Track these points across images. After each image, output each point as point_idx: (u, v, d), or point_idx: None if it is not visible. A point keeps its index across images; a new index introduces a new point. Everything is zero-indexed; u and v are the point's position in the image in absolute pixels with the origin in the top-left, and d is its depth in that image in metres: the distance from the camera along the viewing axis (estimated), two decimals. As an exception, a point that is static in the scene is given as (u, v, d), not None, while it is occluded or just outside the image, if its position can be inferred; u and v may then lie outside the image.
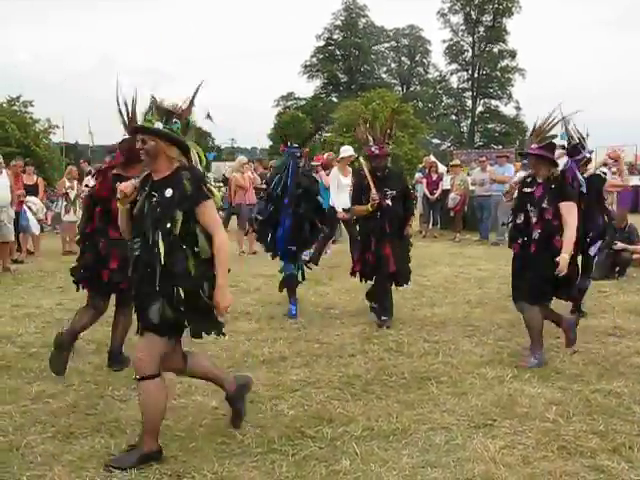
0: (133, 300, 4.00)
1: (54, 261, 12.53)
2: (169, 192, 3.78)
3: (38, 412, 4.65)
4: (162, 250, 3.71)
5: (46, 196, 16.16)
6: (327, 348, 6.26)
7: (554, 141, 5.83)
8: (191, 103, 4.03)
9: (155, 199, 3.81)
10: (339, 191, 10.80)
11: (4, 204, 11.16)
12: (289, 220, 7.40)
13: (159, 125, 3.83)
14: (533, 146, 5.60)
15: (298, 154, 7.61)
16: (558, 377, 5.31)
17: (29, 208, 13.55)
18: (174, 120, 3.89)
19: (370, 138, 7.20)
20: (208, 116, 4.23)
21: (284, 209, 7.40)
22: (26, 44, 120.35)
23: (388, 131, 7.29)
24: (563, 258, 5.28)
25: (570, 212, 5.48)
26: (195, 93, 4.05)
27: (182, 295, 3.72)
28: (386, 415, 4.54)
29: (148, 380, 3.82)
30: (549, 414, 4.48)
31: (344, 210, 10.34)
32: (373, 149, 7.13)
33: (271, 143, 56.35)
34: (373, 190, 7.00)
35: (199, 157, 4.09)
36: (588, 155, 7.24)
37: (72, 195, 14.35)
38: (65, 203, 14.38)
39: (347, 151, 11.54)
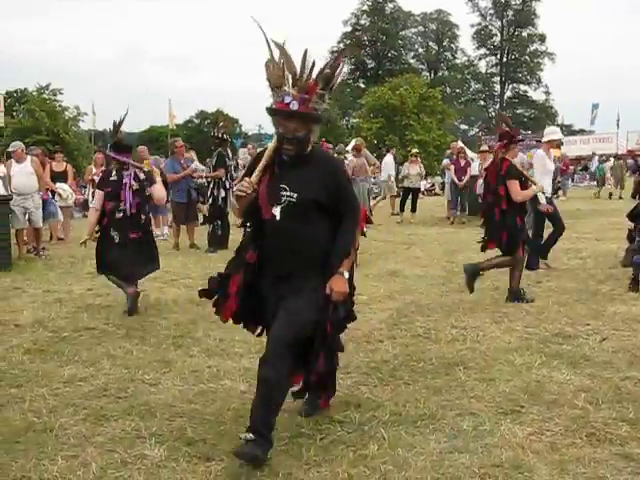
0: None
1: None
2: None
3: (70, 395, 4.73)
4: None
5: (75, 183, 16.31)
6: (355, 334, 6.25)
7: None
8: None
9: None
10: (543, 176, 9.45)
11: (30, 191, 11.29)
12: None
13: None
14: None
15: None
16: (587, 364, 5.27)
17: (59, 195, 13.73)
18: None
19: (287, 79, 3.73)
20: None
21: None
22: (56, 33, 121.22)
23: (328, 78, 3.74)
24: None
25: None
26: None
27: None
28: (414, 400, 4.55)
29: None
30: (578, 401, 4.45)
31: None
32: (287, 100, 3.63)
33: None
34: (247, 179, 3.75)
35: None
36: None
37: (99, 182, 14.47)
38: (92, 189, 14.52)
39: (553, 133, 10.53)
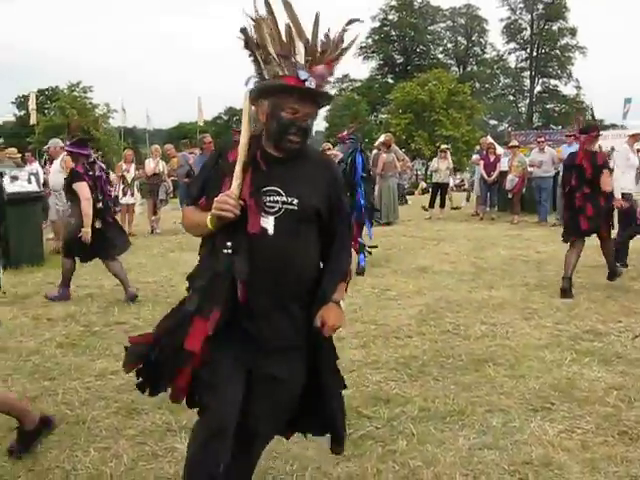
0: None
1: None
2: None
3: (102, 388, 4.80)
4: None
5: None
6: (384, 329, 6.26)
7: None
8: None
9: None
10: (626, 170, 9.04)
11: (58, 189, 11.40)
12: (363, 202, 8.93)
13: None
14: None
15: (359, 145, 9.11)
16: (619, 361, 5.21)
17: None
18: None
19: (299, 49, 2.68)
20: None
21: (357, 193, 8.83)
22: (86, 32, 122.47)
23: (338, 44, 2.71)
24: None
25: None
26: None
27: None
28: (443, 397, 4.54)
29: None
30: (609, 399, 4.41)
31: (623, 196, 8.38)
32: (302, 76, 2.63)
33: (327, 125, 56.31)
34: (234, 183, 2.65)
35: None
36: None
37: (128, 178, 14.63)
38: (122, 186, 14.67)
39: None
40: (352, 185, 8.75)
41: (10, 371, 5.19)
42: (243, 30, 2.65)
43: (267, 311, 2.68)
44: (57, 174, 11.32)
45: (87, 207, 7.39)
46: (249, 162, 2.65)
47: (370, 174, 10.01)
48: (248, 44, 2.67)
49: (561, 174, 10.29)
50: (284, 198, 2.67)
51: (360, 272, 8.88)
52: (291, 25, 2.64)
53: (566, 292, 7.49)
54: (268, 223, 2.64)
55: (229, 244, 2.62)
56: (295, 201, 2.67)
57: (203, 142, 13.48)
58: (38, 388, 4.81)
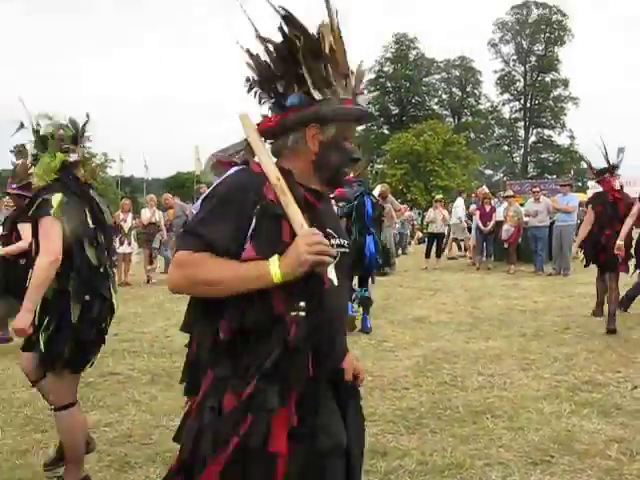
0: None
1: (110, 292, 12.75)
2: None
3: (95, 441, 4.72)
4: None
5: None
6: (380, 381, 6.21)
7: None
8: None
9: None
10: None
11: None
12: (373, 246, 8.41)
13: None
14: None
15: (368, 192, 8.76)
16: (619, 413, 5.16)
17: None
18: None
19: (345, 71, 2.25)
20: None
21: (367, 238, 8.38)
22: (88, 82, 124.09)
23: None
24: None
25: None
26: None
27: None
28: (441, 449, 4.48)
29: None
30: (610, 452, 4.36)
31: None
32: (362, 101, 2.39)
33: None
34: (302, 225, 2.05)
35: None
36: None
37: (125, 227, 14.66)
38: (119, 235, 14.68)
39: None
40: (361, 230, 8.34)
41: (1, 423, 5.13)
42: (292, 36, 2.12)
43: (331, 376, 2.23)
44: None
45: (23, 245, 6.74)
46: (294, 200, 2.10)
47: (381, 219, 9.59)
48: (291, 55, 2.14)
49: (576, 212, 10.72)
50: (338, 240, 2.28)
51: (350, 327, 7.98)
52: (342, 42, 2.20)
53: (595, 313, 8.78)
54: (332, 272, 2.16)
55: (302, 304, 2.04)
56: (346, 242, 2.33)
57: (199, 193, 13.56)
58: (29, 441, 4.74)
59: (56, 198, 3.69)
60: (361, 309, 8.66)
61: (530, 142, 70.13)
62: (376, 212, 8.77)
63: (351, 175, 8.10)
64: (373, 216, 8.56)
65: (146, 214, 14.97)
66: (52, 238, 3.58)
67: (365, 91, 2.27)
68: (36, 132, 3.97)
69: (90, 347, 3.87)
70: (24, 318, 3.53)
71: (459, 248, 21.62)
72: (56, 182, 3.84)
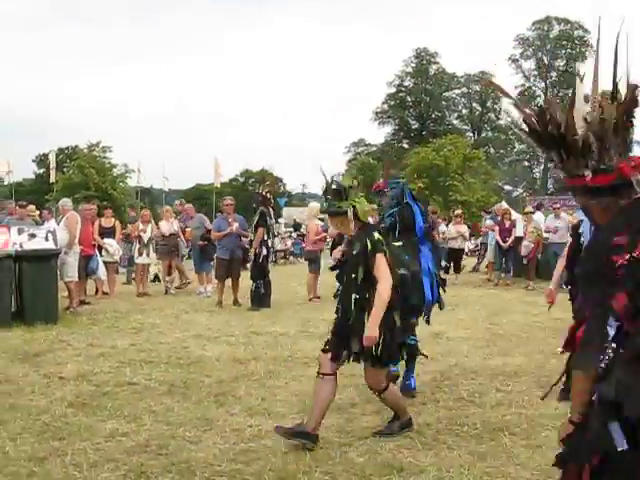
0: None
1: (128, 302, 12.83)
2: (356, 248, 4.77)
3: (111, 450, 4.73)
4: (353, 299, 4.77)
5: (122, 238, 16.59)
6: (397, 395, 6.17)
7: None
8: (359, 182, 5.06)
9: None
10: None
11: (61, 246, 11.35)
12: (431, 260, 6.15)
13: (345, 204, 4.86)
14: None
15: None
16: (638, 433, 5.09)
17: (106, 250, 14.02)
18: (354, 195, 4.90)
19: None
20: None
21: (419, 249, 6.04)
22: (110, 91, 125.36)
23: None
24: None
25: None
26: (358, 175, 4.74)
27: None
28: (458, 466, 4.44)
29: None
30: (629, 471, 4.30)
31: None
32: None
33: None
34: None
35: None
36: None
37: (145, 238, 14.74)
38: (138, 246, 14.76)
39: None
40: (412, 246, 5.99)
41: (20, 430, 5.15)
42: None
43: None
44: (61, 232, 11.42)
45: None
46: None
47: (432, 235, 7.18)
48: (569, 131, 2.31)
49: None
50: None
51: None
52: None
53: None
54: None
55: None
56: None
57: (223, 204, 13.63)
58: (47, 448, 4.75)
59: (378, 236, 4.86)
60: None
61: (550, 158, 69.88)
62: (426, 225, 6.41)
63: (380, 182, 6.60)
64: (424, 230, 6.24)
65: (164, 226, 15.04)
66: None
67: None
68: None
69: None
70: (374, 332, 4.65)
71: None
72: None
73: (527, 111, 2.47)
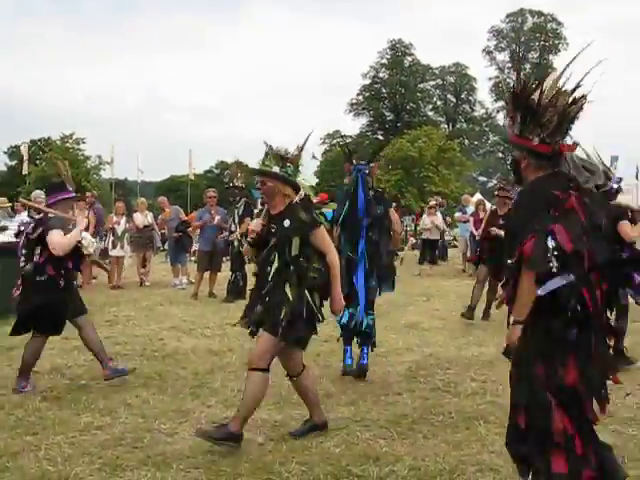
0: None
1: (103, 295, 12.73)
2: (287, 222, 4.59)
3: (86, 443, 4.70)
4: (273, 270, 4.60)
5: (95, 231, 16.45)
6: (373, 386, 6.21)
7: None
8: (301, 149, 4.91)
9: (274, 230, 4.67)
10: None
11: None
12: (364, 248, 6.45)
13: (276, 169, 4.73)
14: None
15: (367, 171, 6.44)
16: (611, 420, 5.15)
17: (80, 242, 13.87)
18: (287, 164, 4.75)
19: None
20: (313, 157, 5.09)
21: (360, 236, 6.44)
22: (80, 83, 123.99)
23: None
24: None
25: None
26: (305, 141, 4.95)
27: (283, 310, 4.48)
28: (433, 455, 4.47)
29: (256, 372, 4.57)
30: (602, 458, 4.34)
31: None
32: None
33: (317, 180, 56.68)
34: None
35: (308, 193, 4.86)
36: (615, 186, 6.68)
37: (119, 230, 14.63)
38: (112, 238, 14.65)
39: None
40: (353, 233, 6.49)
41: (-8, 425, 5.10)
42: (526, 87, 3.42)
43: None
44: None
45: None
46: None
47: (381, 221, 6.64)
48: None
49: None
50: None
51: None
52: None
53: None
54: None
55: None
56: None
57: (206, 196, 13.56)
58: (20, 443, 4.70)
59: None
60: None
61: (524, 149, 70.37)
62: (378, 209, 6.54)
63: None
64: (372, 214, 6.45)
65: (139, 218, 14.93)
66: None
67: None
68: None
69: None
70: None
71: None
72: None
73: (522, 76, 3.48)
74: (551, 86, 3.35)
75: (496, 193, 10.42)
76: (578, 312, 3.16)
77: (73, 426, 5.06)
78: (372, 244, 6.48)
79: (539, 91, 3.33)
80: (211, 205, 13.04)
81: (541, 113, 3.32)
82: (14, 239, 10.26)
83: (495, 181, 66.98)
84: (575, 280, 3.12)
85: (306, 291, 4.57)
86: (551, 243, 3.10)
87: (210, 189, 14.03)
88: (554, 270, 3.11)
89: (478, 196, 19.32)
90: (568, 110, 3.34)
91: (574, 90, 3.34)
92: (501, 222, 9.27)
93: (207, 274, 12.67)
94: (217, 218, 12.70)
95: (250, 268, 11.70)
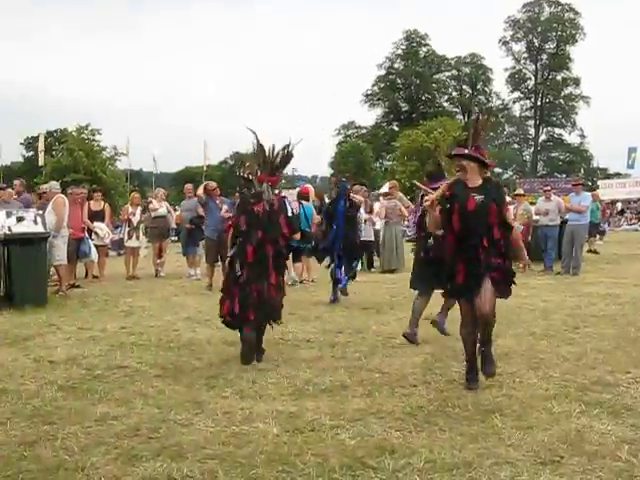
0: None
1: (118, 285, 12.80)
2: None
3: (102, 434, 4.71)
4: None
5: (111, 222, 16.50)
6: (389, 378, 6.18)
7: None
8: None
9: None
10: None
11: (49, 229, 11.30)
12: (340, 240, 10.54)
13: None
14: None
15: (348, 185, 11.11)
16: (629, 414, 5.10)
17: (96, 233, 13.93)
18: None
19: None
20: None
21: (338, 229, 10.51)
22: (96, 75, 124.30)
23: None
24: None
25: None
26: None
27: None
28: (449, 448, 4.44)
29: None
30: (621, 453, 4.30)
31: None
32: None
33: (332, 171, 56.69)
34: None
35: None
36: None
37: (134, 221, 14.66)
38: (128, 229, 14.69)
39: None
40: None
41: (9, 414, 5.12)
42: None
43: None
44: (49, 215, 11.33)
45: None
46: None
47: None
48: None
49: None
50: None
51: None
52: None
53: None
54: None
55: None
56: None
57: (210, 188, 13.58)
58: (37, 432, 4.73)
59: None
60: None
61: (540, 140, 69.96)
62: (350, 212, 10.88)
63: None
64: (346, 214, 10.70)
65: (154, 204, 14.96)
66: None
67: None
68: None
69: None
70: None
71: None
72: None
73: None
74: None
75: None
76: None
77: (89, 416, 5.07)
78: (346, 234, 10.65)
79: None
80: (216, 196, 13.05)
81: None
82: (31, 229, 10.38)
83: (511, 172, 66.77)
84: None
85: None
86: None
87: (210, 182, 13.98)
88: None
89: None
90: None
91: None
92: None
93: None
94: (224, 207, 12.71)
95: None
